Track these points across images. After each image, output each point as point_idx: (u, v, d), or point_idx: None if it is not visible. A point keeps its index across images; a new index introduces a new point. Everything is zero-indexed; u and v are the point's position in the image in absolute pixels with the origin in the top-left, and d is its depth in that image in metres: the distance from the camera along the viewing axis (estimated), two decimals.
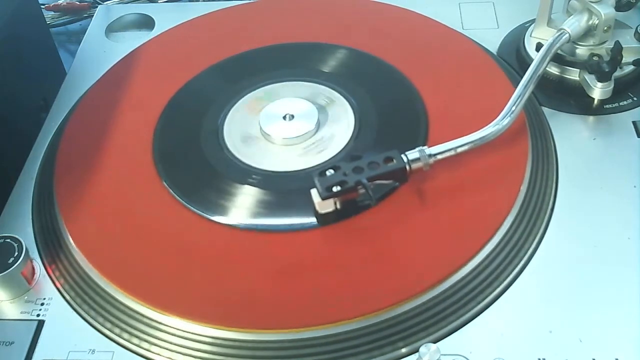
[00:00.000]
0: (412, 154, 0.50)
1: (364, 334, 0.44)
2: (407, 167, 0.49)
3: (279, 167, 0.54)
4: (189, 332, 0.45)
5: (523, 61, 0.62)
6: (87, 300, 0.48)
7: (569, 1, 0.59)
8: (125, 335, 0.46)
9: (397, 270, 0.47)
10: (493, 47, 0.65)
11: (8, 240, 0.49)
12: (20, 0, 0.66)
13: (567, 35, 0.57)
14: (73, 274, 0.49)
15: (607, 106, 0.57)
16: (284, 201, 0.52)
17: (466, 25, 0.68)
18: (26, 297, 0.48)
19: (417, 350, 0.41)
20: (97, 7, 0.79)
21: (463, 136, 0.51)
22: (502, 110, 0.52)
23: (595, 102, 0.57)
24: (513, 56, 0.63)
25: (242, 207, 0.51)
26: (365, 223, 0.49)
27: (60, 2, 0.85)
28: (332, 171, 0.49)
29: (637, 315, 0.44)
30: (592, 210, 0.50)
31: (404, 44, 0.64)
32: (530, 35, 0.62)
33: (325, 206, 0.49)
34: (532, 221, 0.49)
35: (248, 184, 0.53)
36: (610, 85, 0.56)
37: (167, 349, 0.45)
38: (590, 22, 0.57)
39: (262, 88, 0.61)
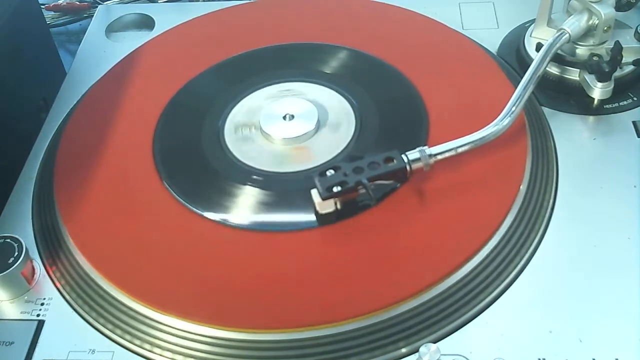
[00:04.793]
0: (413, 154, 0.50)
1: (365, 334, 0.44)
2: (408, 167, 0.49)
3: (279, 168, 0.54)
4: (189, 332, 0.45)
5: (523, 61, 0.62)
6: (87, 300, 0.48)
7: (569, 1, 0.59)
8: (127, 336, 0.46)
9: (397, 270, 0.47)
10: (493, 47, 0.65)
11: (8, 240, 0.49)
12: (20, 0, 0.65)
13: (567, 35, 0.57)
14: (73, 274, 0.49)
15: (607, 106, 0.57)
16: (284, 201, 0.52)
17: (466, 25, 0.68)
18: (26, 297, 0.48)
19: (417, 350, 0.42)
20: (97, 7, 0.79)
21: (463, 136, 0.51)
22: (502, 111, 0.52)
23: (595, 102, 0.57)
24: (513, 56, 0.63)
25: (243, 207, 0.51)
26: (365, 223, 0.49)
27: (60, 2, 0.84)
28: (332, 171, 0.49)
29: (637, 315, 0.44)
30: (592, 210, 0.50)
31: (404, 44, 0.64)
32: (530, 35, 0.62)
33: (326, 206, 0.49)
34: (532, 221, 0.49)
35: (249, 185, 0.53)
36: (610, 85, 0.56)
37: (167, 349, 0.45)
38: (590, 22, 0.57)
39: (263, 89, 0.61)
